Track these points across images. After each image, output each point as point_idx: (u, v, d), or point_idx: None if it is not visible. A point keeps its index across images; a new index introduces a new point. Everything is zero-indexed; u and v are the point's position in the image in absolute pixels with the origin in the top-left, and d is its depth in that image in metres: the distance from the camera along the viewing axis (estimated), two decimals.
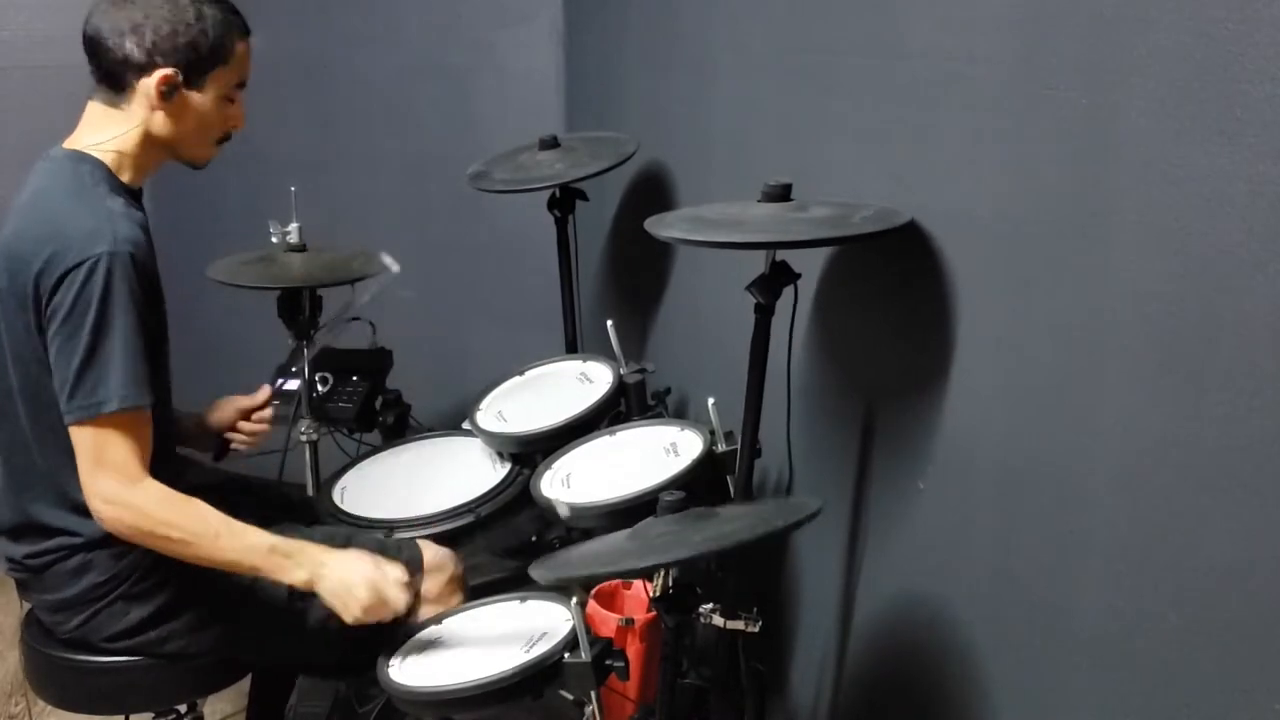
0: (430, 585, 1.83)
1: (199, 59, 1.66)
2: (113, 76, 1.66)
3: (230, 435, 2.04)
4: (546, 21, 3.14)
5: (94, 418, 1.55)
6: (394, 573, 1.67)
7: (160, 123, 1.67)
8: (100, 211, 1.59)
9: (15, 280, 1.59)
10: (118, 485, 1.57)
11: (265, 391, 2.07)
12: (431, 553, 1.87)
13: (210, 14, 1.67)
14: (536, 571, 1.38)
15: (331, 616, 1.67)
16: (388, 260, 2.35)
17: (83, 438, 1.57)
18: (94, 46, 1.65)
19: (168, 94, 1.65)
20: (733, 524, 1.38)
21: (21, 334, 1.61)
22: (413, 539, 1.90)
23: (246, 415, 2.04)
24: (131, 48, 1.63)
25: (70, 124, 1.73)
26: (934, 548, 1.61)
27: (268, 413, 2.06)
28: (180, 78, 1.66)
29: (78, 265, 1.53)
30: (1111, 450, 1.24)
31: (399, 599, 1.66)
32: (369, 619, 1.64)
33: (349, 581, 1.63)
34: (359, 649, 1.73)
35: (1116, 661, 1.26)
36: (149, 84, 1.64)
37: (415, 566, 1.80)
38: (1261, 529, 1.05)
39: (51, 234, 1.57)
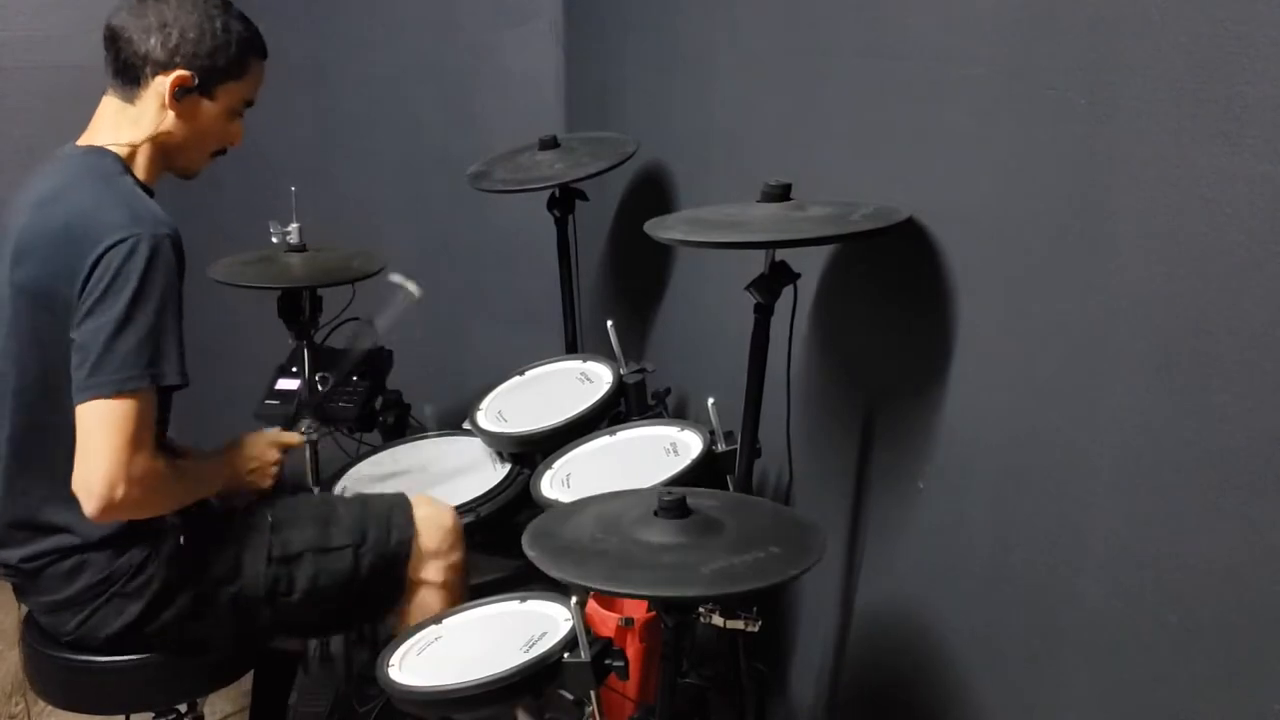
0: (428, 540, 1.87)
1: (216, 69, 1.70)
2: (129, 70, 1.68)
3: None
4: (546, 21, 3.14)
5: (133, 391, 1.53)
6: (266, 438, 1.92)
7: (170, 123, 1.70)
8: (133, 198, 1.63)
9: (37, 271, 1.59)
10: (147, 461, 1.56)
11: None
12: (428, 507, 1.90)
13: (236, 29, 1.72)
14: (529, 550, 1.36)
15: (318, 576, 1.77)
16: (401, 280, 2.16)
17: (110, 411, 1.53)
18: (115, 39, 1.68)
19: (179, 95, 1.69)
20: (739, 556, 1.33)
21: (44, 325, 1.60)
22: (404, 495, 1.93)
23: None
24: (155, 45, 1.66)
25: (72, 124, 1.73)
26: (933, 548, 1.61)
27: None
28: (195, 82, 1.69)
29: (120, 241, 1.54)
30: (1111, 450, 1.24)
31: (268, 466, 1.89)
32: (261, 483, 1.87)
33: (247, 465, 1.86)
34: (350, 606, 1.84)
35: (1116, 662, 1.26)
36: (164, 82, 1.68)
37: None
38: (1261, 529, 1.05)
39: (85, 222, 1.57)
